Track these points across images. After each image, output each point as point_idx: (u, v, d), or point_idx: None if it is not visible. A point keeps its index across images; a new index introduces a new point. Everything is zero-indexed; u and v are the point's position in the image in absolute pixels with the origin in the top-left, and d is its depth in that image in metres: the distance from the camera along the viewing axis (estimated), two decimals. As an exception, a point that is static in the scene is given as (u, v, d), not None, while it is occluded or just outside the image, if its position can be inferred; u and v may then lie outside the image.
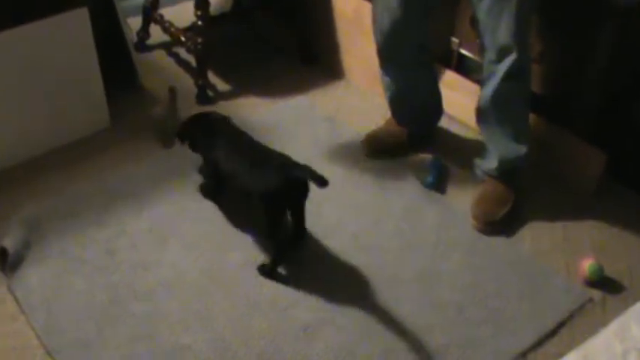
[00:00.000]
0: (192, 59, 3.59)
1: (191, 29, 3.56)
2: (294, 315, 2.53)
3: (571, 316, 2.57)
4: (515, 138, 2.88)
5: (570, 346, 2.41)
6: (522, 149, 2.90)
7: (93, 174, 3.07)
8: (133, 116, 3.40)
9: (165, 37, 3.81)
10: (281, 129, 3.37)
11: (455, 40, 3.47)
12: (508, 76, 2.72)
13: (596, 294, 2.65)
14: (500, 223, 2.90)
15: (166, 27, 3.68)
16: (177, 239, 2.79)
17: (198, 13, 3.44)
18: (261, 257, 2.72)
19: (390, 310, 2.55)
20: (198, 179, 3.04)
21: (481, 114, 2.92)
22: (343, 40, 3.71)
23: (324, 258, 2.75)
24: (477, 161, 3.06)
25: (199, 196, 2.97)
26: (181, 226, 2.84)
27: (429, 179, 3.08)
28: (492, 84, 2.78)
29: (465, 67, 3.56)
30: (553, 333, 2.52)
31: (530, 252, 2.82)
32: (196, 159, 2.99)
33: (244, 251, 2.75)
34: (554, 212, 2.99)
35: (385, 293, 2.62)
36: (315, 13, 3.77)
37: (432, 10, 2.95)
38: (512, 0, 2.58)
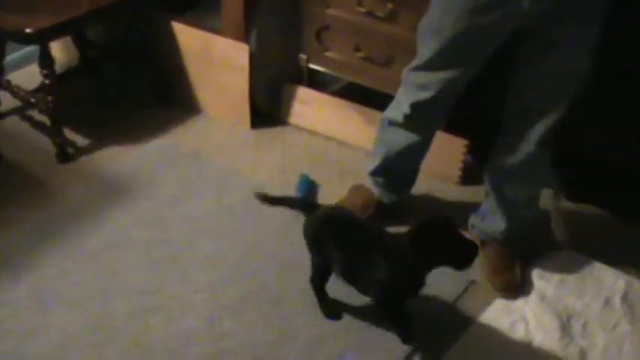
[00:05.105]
0: (46, 119, 3.56)
1: (40, 90, 3.54)
2: (190, 352, 2.57)
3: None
4: (529, 203, 2.82)
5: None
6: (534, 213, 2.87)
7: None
8: (-4, 186, 3.37)
9: (17, 102, 3.77)
10: (147, 172, 3.38)
11: (303, 56, 3.53)
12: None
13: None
14: (522, 284, 2.83)
15: (15, 91, 3.64)
16: (60, 301, 2.76)
17: (44, 72, 3.42)
18: (143, 301, 2.74)
19: (280, 327, 2.64)
20: (75, 239, 3.02)
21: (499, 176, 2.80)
22: (194, 75, 3.74)
23: (204, 291, 2.79)
24: (475, 222, 2.95)
25: (75, 256, 2.95)
26: (62, 288, 2.81)
27: (297, 196, 3.15)
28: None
29: (317, 82, 3.64)
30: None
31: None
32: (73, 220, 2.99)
33: (127, 299, 2.76)
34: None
35: (274, 313, 2.70)
36: (162, 53, 3.79)
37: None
38: None
